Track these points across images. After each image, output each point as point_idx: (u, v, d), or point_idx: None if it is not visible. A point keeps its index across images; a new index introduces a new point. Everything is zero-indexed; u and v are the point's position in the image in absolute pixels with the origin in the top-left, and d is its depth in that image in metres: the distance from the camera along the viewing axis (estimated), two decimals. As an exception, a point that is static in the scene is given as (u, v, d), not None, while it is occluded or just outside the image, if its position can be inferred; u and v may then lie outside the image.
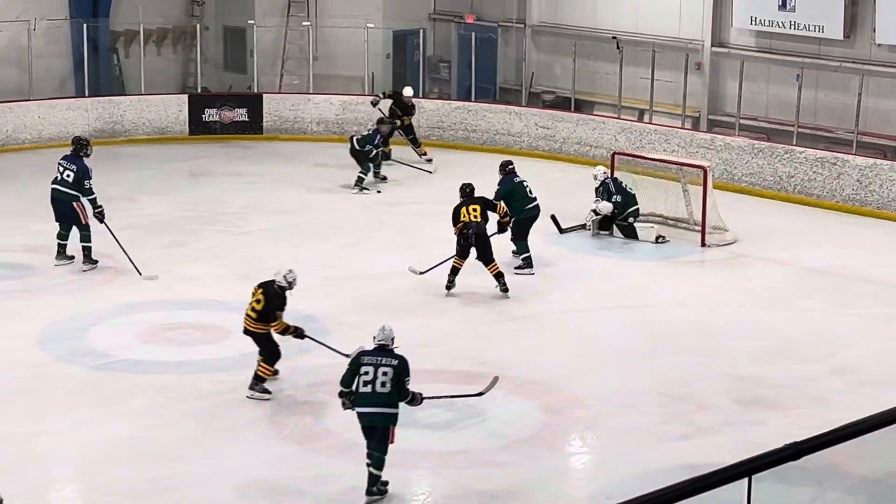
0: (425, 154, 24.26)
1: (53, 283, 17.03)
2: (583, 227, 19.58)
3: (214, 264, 17.96)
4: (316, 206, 21.13)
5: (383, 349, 11.38)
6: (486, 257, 16.70)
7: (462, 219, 16.62)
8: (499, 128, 25.76)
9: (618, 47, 25.12)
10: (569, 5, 27.23)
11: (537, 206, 18.02)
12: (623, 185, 19.57)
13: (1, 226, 19.63)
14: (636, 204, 19.45)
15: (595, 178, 19.52)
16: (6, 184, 22.31)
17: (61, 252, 17.69)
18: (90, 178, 17.62)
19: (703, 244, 19.14)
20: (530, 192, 17.95)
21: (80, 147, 17.98)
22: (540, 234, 18.85)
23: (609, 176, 19.58)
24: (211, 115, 26.38)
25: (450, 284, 16.77)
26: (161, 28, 28.42)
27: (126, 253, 17.35)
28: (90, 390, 13.52)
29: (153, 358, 14.41)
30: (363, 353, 11.43)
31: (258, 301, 13.42)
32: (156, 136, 25.96)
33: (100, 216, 17.57)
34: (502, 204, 17.21)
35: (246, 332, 13.54)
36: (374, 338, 11.47)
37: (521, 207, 17.71)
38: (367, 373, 11.15)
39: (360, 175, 22.10)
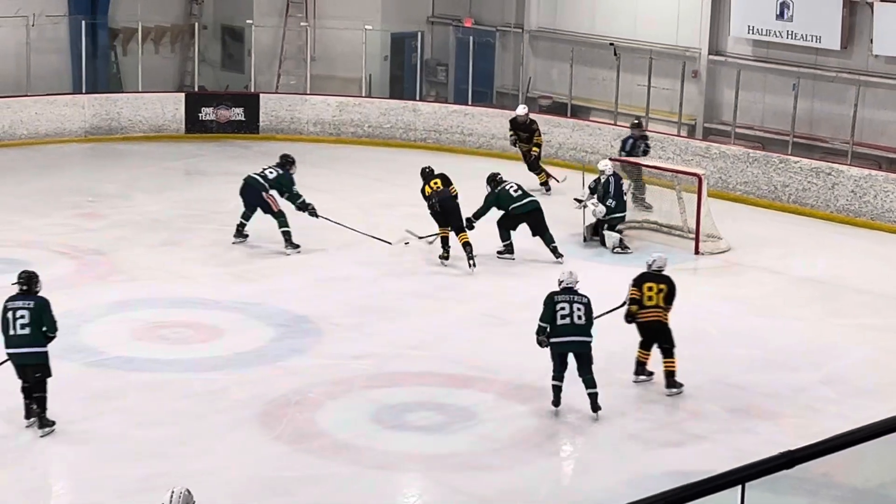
0: (546, 182, 22.61)
1: (46, 280, 16.95)
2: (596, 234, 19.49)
3: (208, 263, 17.97)
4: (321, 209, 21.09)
5: (571, 290, 13.22)
6: (456, 225, 17.83)
7: (427, 193, 18.03)
8: (495, 132, 25.76)
9: (615, 54, 25.15)
10: (567, 11, 27.25)
11: (527, 204, 18.35)
12: (623, 189, 19.50)
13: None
14: (624, 212, 19.41)
15: (602, 172, 19.31)
16: (1, 179, 22.30)
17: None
18: (294, 185, 19.11)
19: (696, 252, 19.16)
20: (515, 192, 18.22)
21: (286, 162, 19.34)
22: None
23: (612, 172, 19.39)
24: (207, 114, 26.38)
25: (444, 255, 17.84)
26: (159, 26, 28.42)
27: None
28: (82, 387, 13.52)
29: (146, 356, 14.41)
30: (555, 293, 13.24)
31: None
32: (152, 134, 25.96)
33: (313, 213, 19.15)
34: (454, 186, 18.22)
35: None
36: (560, 281, 13.33)
37: (508, 209, 18.47)
38: (563, 308, 13.00)
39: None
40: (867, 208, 21.25)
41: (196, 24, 28.03)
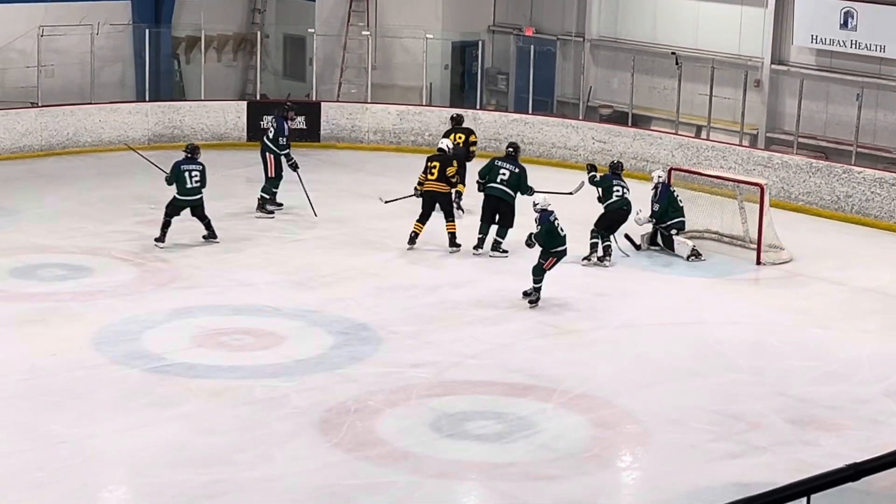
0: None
1: (110, 286, 17.16)
2: (638, 247, 19.50)
3: (269, 271, 18.05)
4: (371, 214, 21.17)
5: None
6: (446, 214, 18.99)
7: (421, 177, 19.37)
8: (555, 141, 25.74)
9: (676, 63, 25.05)
10: (628, 20, 27.20)
11: (499, 188, 19.08)
12: (675, 195, 19.48)
13: (59, 227, 19.81)
14: (681, 217, 19.39)
15: (653, 178, 19.68)
16: (65, 186, 22.53)
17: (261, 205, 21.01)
18: (285, 136, 21.15)
19: (758, 262, 19.04)
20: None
21: (285, 110, 21.69)
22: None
23: (663, 180, 19.47)
24: (269, 122, 26.47)
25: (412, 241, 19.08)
26: (222, 35, 28.64)
27: (308, 196, 20.79)
28: (143, 393, 13.61)
29: (207, 362, 14.48)
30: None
31: None
32: (214, 142, 26.11)
33: (294, 167, 21.12)
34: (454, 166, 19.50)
35: None
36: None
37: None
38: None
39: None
40: (931, 219, 21.04)
41: (258, 33, 28.19)
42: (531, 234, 16.65)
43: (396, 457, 12.19)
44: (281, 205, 21.25)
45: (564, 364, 14.81)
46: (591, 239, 18.59)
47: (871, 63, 23.06)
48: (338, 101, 27.56)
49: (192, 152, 19.41)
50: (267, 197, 20.98)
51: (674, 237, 19.31)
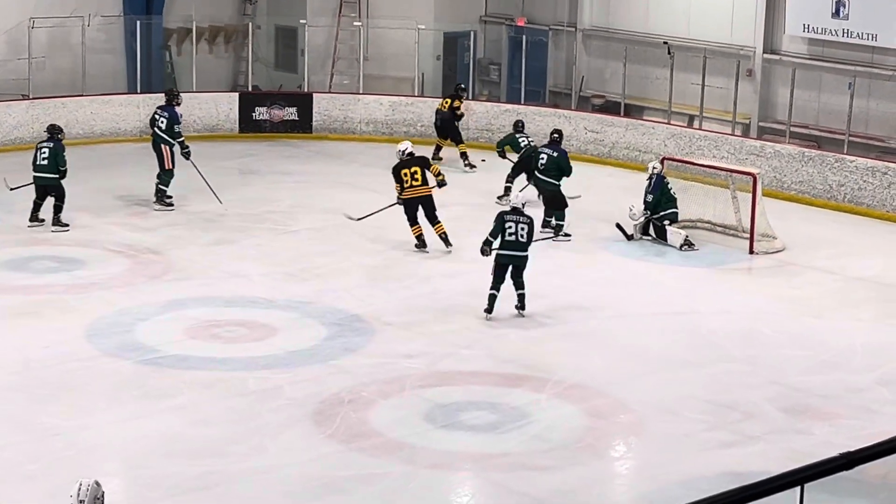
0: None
1: (102, 278, 17.15)
2: (630, 237, 19.53)
3: (262, 262, 18.04)
4: (364, 205, 21.13)
5: (518, 211, 15.70)
6: (431, 217, 18.61)
7: (403, 179, 18.66)
8: (548, 131, 25.64)
9: (669, 52, 25.05)
10: (620, 10, 27.19)
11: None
12: (668, 185, 19.54)
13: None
14: (674, 208, 19.43)
15: (648, 169, 19.91)
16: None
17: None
18: (179, 124, 20.77)
19: (751, 251, 19.06)
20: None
21: (172, 97, 21.17)
22: (589, 240, 18.92)
23: (658, 171, 19.57)
24: (261, 113, 26.49)
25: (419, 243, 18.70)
26: (213, 26, 28.58)
27: (209, 185, 20.43)
28: (137, 385, 13.60)
29: (200, 354, 14.48)
30: (504, 213, 15.85)
31: None
32: (206, 134, 26.08)
33: (186, 155, 20.57)
34: (436, 165, 19.86)
35: None
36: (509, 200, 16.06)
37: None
38: (510, 227, 15.56)
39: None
40: (924, 208, 21.07)
41: (250, 24, 28.13)
42: (488, 238, 16.00)
43: (390, 448, 12.19)
44: (171, 199, 20.61)
45: (558, 354, 14.82)
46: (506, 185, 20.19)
47: (863, 52, 23.06)
48: (330, 92, 27.54)
49: (50, 131, 19.63)
50: (165, 189, 20.57)
51: (666, 227, 19.33)
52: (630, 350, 15.04)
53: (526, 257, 15.70)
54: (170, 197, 20.54)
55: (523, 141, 22.19)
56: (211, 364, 14.19)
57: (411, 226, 18.61)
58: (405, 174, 18.60)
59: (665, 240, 19.29)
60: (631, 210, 19.34)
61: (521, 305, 15.82)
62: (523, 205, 15.90)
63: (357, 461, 11.93)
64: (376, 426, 12.68)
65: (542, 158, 19.68)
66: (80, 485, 8.39)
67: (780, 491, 4.41)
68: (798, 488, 4.47)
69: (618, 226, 19.43)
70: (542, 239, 17.87)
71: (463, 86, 25.39)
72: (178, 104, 21.22)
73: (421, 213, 18.58)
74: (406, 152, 18.92)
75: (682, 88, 25.03)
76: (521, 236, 15.60)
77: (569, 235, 19.06)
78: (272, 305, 16.18)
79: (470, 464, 12.08)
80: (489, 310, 15.67)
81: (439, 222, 18.70)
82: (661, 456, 12.35)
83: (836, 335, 15.79)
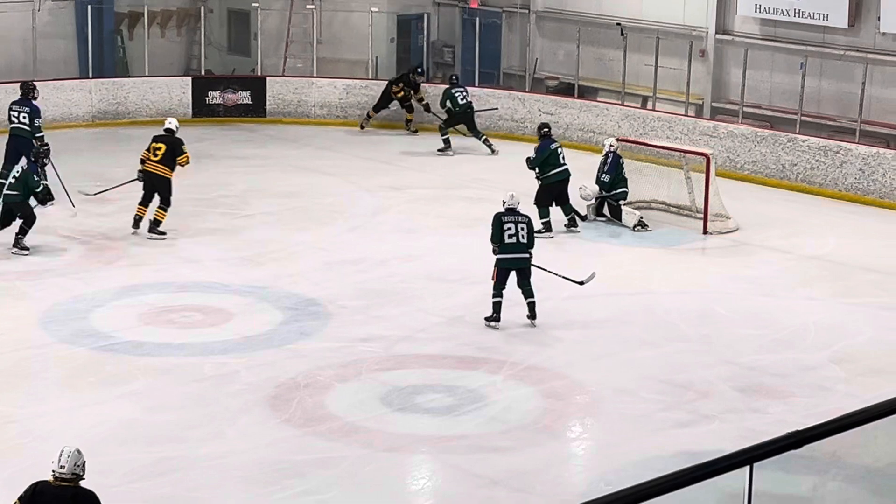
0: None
1: (56, 265, 17.05)
2: (584, 217, 19.56)
3: (217, 247, 17.98)
4: (318, 189, 21.14)
5: (514, 211, 14.99)
6: (163, 199, 18.18)
7: (144, 154, 18.31)
8: (502, 113, 25.74)
9: (622, 34, 25.10)
10: (573, -9, 27.20)
11: (565, 170, 18.90)
12: (621, 165, 19.59)
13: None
14: (625, 187, 19.50)
15: (604, 147, 19.87)
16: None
17: None
18: (40, 118, 19.74)
19: (704, 232, 19.15)
20: (563, 158, 18.98)
21: (29, 90, 19.93)
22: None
23: (615, 149, 19.59)
24: (214, 97, 26.37)
25: None
26: (165, 10, 28.41)
27: (65, 188, 18.75)
28: (92, 372, 13.56)
29: (155, 340, 14.43)
30: (501, 213, 15.03)
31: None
32: (159, 118, 25.76)
33: (45, 152, 18.47)
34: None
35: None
36: (504, 202, 15.09)
37: (548, 172, 18.81)
38: (509, 228, 14.83)
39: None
40: (875, 186, 21.23)
41: (202, 8, 27.96)
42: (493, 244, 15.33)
43: (347, 431, 12.21)
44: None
45: (514, 336, 14.85)
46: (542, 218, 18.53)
47: (815, 32, 23.18)
48: (283, 75, 27.45)
49: (23, 89, 19.56)
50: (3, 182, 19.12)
51: (622, 207, 19.39)
52: (586, 331, 15.09)
53: (529, 259, 15.00)
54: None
55: (460, 95, 23.86)
56: (167, 350, 14.15)
57: (139, 204, 18.25)
58: (152, 147, 18.44)
59: (619, 220, 19.36)
60: (584, 189, 19.39)
61: (532, 315, 14.95)
62: (582, 218, 15.40)
63: (314, 445, 11.94)
64: (333, 410, 12.69)
65: (560, 149, 19.20)
66: (63, 451, 8.55)
67: (729, 470, 4.45)
68: (748, 467, 4.51)
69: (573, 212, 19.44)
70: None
71: (420, 69, 25.50)
72: (36, 97, 20.04)
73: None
74: (165, 127, 18.85)
75: (636, 70, 25.10)
76: (522, 237, 14.88)
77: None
78: (227, 290, 16.14)
79: (427, 446, 12.12)
80: (496, 318, 14.88)
81: (165, 210, 18.23)
82: (617, 436, 12.42)
83: (790, 314, 15.90)
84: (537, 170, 18.86)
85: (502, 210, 15.19)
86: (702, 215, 19.32)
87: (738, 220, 19.48)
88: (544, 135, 19.24)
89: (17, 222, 17.27)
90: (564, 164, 18.94)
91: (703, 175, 19.32)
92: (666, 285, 16.95)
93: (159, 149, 18.31)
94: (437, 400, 13.02)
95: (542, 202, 18.68)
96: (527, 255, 14.98)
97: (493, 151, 23.82)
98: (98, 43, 26.42)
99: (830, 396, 13.21)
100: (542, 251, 17.91)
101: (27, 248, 17.21)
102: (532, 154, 19.08)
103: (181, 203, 20.02)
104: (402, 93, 25.09)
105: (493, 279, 14.97)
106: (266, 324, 15.04)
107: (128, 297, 15.86)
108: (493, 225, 15.09)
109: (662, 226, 19.54)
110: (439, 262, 17.45)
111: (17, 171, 17.41)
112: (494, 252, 14.98)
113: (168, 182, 18.24)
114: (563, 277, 15.23)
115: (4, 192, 17.40)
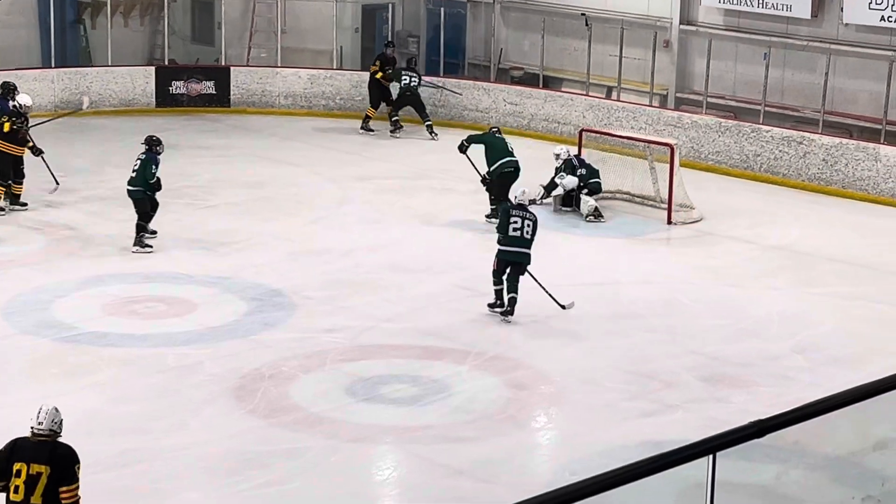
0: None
1: (19, 255, 16.95)
2: (532, 201, 19.50)
3: (180, 238, 17.90)
4: (283, 179, 21.08)
5: (523, 207, 15.05)
6: (16, 174, 18.58)
7: None
8: (467, 103, 25.74)
9: (586, 24, 25.11)
10: (538, -19, 27.20)
11: (512, 162, 18.68)
12: (586, 161, 19.70)
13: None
14: (597, 178, 19.55)
15: (557, 157, 19.69)
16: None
17: None
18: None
19: (669, 222, 19.21)
20: (511, 150, 18.83)
21: (7, 91, 19.32)
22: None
23: (571, 154, 19.70)
24: (178, 87, 26.26)
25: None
26: (128, -1, 28.24)
27: (47, 164, 19.30)
28: (55, 363, 13.49)
29: (119, 331, 14.37)
30: (511, 206, 15.13)
31: None
32: (122, 108, 25.83)
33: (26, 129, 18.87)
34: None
35: None
36: (515, 197, 15.31)
37: (496, 161, 18.64)
38: (516, 222, 14.80)
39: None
40: (838, 177, 21.34)
41: (166, -3, 27.85)
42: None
43: (312, 422, 12.19)
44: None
45: (478, 326, 14.86)
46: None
47: (779, 22, 23.25)
48: (248, 65, 27.35)
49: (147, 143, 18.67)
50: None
51: (582, 197, 19.38)
52: (551, 321, 15.10)
53: (529, 256, 14.93)
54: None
55: (406, 78, 24.34)
56: (130, 341, 14.09)
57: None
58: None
59: (578, 208, 19.37)
60: (562, 178, 19.27)
61: (509, 310, 14.89)
62: (530, 202, 15.41)
63: (278, 436, 11.92)
64: (297, 401, 12.67)
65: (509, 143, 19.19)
66: (41, 408, 8.86)
67: (693, 459, 4.46)
68: (711, 456, 4.52)
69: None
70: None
71: (391, 42, 25.72)
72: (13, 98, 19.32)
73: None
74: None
75: (600, 60, 25.13)
76: (527, 232, 14.86)
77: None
78: (191, 281, 16.09)
79: (392, 436, 12.12)
80: (500, 304, 14.92)
81: (20, 183, 18.73)
82: (581, 426, 12.45)
83: (753, 304, 15.97)
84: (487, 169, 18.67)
85: (513, 203, 15.31)
86: (666, 205, 19.37)
87: (702, 210, 19.54)
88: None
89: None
90: (515, 158, 18.84)
91: (668, 165, 19.38)
92: (630, 275, 17.00)
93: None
94: (402, 390, 13.02)
95: (502, 195, 18.18)
96: (528, 252, 14.92)
97: (433, 136, 24.16)
98: (60, 32, 26.25)
99: (793, 386, 13.27)
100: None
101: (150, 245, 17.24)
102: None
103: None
104: (381, 71, 24.92)
105: (494, 267, 15.04)
106: (230, 314, 14.99)
107: (91, 288, 15.79)
108: (500, 215, 15.25)
109: (627, 216, 19.59)
110: (404, 253, 17.44)
111: (136, 164, 17.39)
112: (499, 242, 15.05)
113: (17, 158, 18.67)
114: (550, 295, 15.10)
115: (128, 187, 17.38)
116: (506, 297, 14.99)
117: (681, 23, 24.78)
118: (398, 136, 24.24)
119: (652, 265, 17.55)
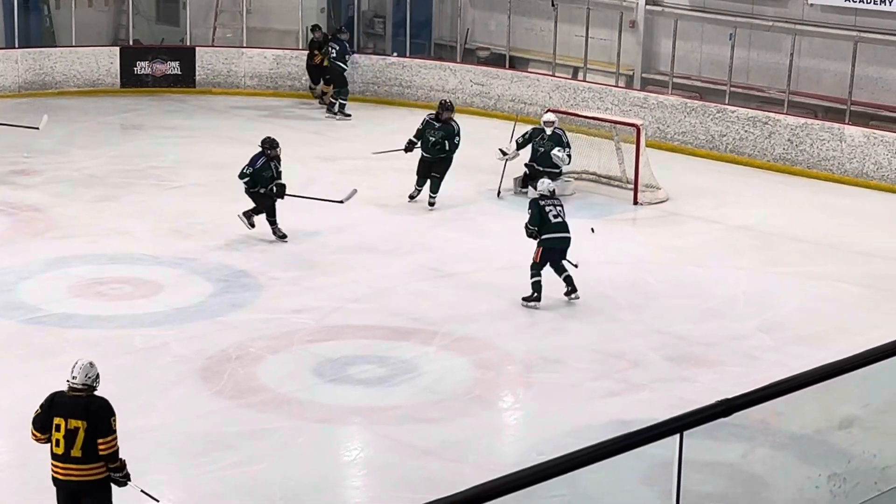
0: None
1: (-17, 237, 16.86)
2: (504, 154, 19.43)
3: (146, 219, 17.85)
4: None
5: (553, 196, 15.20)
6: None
7: None
8: (433, 84, 25.71)
9: (553, 4, 25.12)
10: (504, -38, 27.17)
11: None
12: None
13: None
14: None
15: (550, 124, 19.19)
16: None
17: None
18: None
19: (635, 202, 19.25)
20: (428, 138, 18.76)
21: None
22: (476, 193, 19.01)
23: (555, 123, 19.34)
24: (143, 67, 26.14)
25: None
26: (92, -21, 28.08)
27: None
28: (21, 345, 13.43)
29: (85, 312, 14.32)
30: (544, 196, 15.14)
31: None
32: (87, 89, 25.70)
33: None
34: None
35: None
36: (538, 190, 15.33)
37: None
38: (551, 210, 14.94)
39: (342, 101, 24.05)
40: (803, 157, 21.43)
41: (130, -23, 27.69)
42: (528, 226, 15.25)
43: (279, 403, 12.18)
44: None
45: (446, 306, 14.87)
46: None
47: (744, 3, 23.30)
48: (213, 45, 27.24)
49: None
50: None
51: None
52: (517, 301, 15.11)
53: (570, 239, 15.12)
54: None
55: (333, 50, 24.43)
56: (96, 322, 14.04)
57: None
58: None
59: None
60: (560, 154, 19.09)
61: (572, 288, 15.02)
62: (551, 191, 15.28)
63: (245, 417, 11.91)
64: (265, 382, 12.65)
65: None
66: (76, 363, 9.17)
67: (660, 438, 4.48)
68: (678, 435, 4.54)
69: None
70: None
71: (343, 28, 25.65)
72: None
73: None
74: None
75: (567, 40, 25.13)
76: (563, 216, 15.07)
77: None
78: (157, 262, 16.03)
79: (359, 417, 12.12)
80: (537, 297, 14.85)
81: None
82: (548, 406, 12.48)
83: (719, 284, 16.04)
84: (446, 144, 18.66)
85: (536, 196, 15.31)
86: (632, 186, 19.41)
87: (668, 190, 19.59)
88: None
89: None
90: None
91: (634, 146, 19.42)
92: (597, 255, 16.99)
93: None
94: (370, 371, 13.02)
95: (424, 173, 18.70)
96: (570, 236, 15.07)
97: (328, 109, 24.42)
98: (24, 12, 26.08)
99: (759, 365, 13.33)
100: (470, 223, 17.96)
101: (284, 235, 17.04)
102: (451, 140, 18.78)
103: (110, 174, 19.90)
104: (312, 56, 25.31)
105: (536, 260, 14.91)
106: (197, 295, 14.96)
107: (56, 270, 15.71)
108: (531, 210, 15.05)
109: (593, 196, 19.63)
110: (371, 234, 17.43)
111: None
112: (534, 236, 14.96)
113: None
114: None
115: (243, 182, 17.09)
116: (561, 279, 14.98)
117: (647, 3, 24.80)
118: (335, 115, 24.46)
119: (618, 245, 17.58)
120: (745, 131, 22.05)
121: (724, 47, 23.05)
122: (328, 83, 24.95)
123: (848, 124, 21.33)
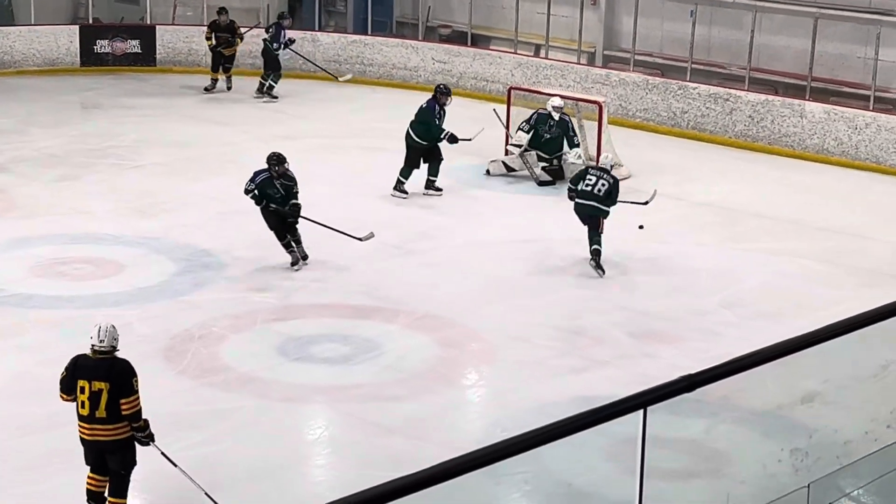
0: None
1: (-58, 217, 16.74)
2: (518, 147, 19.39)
3: (107, 198, 17.77)
4: (211, 139, 20.95)
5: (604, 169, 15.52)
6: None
7: None
8: (395, 62, 25.66)
9: (515, -19, 25.09)
10: (466, -61, 27.11)
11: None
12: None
13: None
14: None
15: (558, 109, 19.10)
16: None
17: None
18: None
19: (598, 179, 19.24)
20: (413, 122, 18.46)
21: None
22: (441, 173, 18.95)
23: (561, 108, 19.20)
24: (103, 46, 25.98)
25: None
26: (51, -44, 27.87)
27: None
28: (-19, 325, 13.35)
29: (46, 293, 14.23)
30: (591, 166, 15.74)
31: None
32: (46, 68, 25.53)
33: None
34: None
35: None
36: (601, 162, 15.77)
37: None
38: (590, 179, 15.31)
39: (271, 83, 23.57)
40: (764, 133, 21.51)
41: (89, -45, 27.50)
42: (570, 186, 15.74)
43: (242, 381, 12.16)
44: None
45: (408, 284, 14.87)
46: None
47: (705, -20, 23.36)
48: (173, 24, 27.09)
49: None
50: None
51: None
52: (481, 279, 15.14)
53: (599, 210, 15.28)
54: None
55: (272, 31, 24.21)
56: (57, 302, 13.97)
57: None
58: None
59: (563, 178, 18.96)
60: (573, 155, 19.01)
61: (596, 261, 15.29)
62: (611, 167, 15.61)
63: (209, 396, 11.88)
64: (228, 361, 12.62)
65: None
66: (100, 327, 9.49)
67: (623, 414, 4.49)
68: (641, 411, 4.56)
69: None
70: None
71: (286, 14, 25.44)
72: None
73: None
74: None
75: (528, 18, 25.12)
76: (599, 190, 15.23)
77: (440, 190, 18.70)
78: (119, 242, 15.96)
79: (323, 396, 12.11)
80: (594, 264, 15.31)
81: None
82: (512, 383, 12.50)
83: (682, 260, 16.09)
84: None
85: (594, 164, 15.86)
86: (594, 163, 19.39)
87: (630, 167, 19.62)
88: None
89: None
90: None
91: (596, 123, 19.43)
92: (559, 233, 17.02)
93: None
94: (333, 349, 13.01)
95: (415, 163, 18.27)
96: (596, 205, 15.26)
97: (260, 92, 24.13)
98: (-18, -10, 25.90)
99: (721, 341, 13.39)
100: (433, 200, 17.97)
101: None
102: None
103: (71, 154, 19.78)
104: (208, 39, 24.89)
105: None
106: (159, 275, 14.90)
107: (17, 250, 15.62)
108: (579, 171, 15.79)
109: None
110: (334, 212, 17.35)
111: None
112: (571, 197, 15.48)
113: None
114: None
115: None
116: (589, 249, 15.24)
117: (608, -20, 24.82)
118: (264, 99, 24.12)
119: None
120: (707, 108, 22.12)
121: (686, 24, 23.10)
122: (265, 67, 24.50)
123: (808, 100, 21.43)
